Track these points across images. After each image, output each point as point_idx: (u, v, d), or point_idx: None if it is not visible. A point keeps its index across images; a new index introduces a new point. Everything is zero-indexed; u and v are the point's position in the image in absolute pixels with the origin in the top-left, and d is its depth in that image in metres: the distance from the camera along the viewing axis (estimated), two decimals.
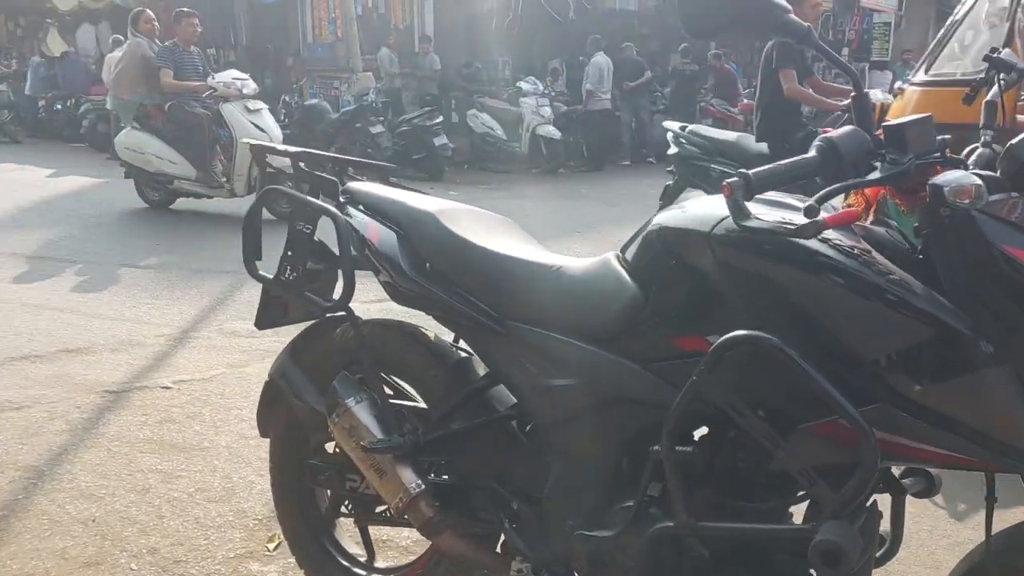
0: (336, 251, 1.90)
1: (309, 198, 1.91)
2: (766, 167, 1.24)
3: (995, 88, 2.31)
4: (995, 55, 2.41)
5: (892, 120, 1.29)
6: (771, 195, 1.53)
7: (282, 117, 11.31)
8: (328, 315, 1.95)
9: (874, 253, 1.27)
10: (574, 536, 1.61)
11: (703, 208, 1.47)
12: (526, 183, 10.39)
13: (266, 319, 2.08)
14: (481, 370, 1.91)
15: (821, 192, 1.20)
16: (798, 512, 1.50)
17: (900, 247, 1.33)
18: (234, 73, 7.76)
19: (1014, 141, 1.25)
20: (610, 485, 1.60)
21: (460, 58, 13.78)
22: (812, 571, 1.41)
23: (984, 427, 1.21)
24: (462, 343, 1.89)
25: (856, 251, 1.26)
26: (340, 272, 1.83)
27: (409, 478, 1.77)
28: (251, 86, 7.49)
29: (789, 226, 1.26)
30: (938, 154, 1.30)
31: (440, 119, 11.03)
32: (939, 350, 1.20)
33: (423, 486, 1.77)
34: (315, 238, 1.92)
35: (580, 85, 12.30)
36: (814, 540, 1.27)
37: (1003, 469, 1.27)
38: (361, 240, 1.83)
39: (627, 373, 1.53)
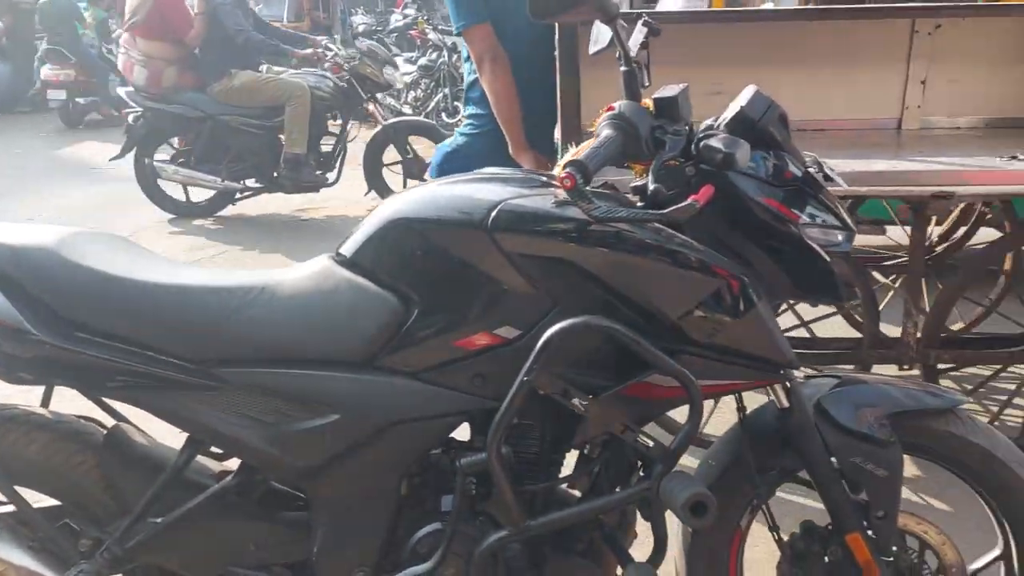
0: None
1: None
2: (588, 153, 1.23)
3: None
4: None
5: (662, 92, 1.36)
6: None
7: None
8: None
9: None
10: None
11: (454, 195, 1.39)
12: None
13: None
14: (140, 437, 1.57)
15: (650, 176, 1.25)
16: None
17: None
18: None
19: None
20: (396, 517, 1.46)
21: None
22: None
23: (758, 351, 1.36)
24: None
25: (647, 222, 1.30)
26: None
27: None
28: None
29: (655, 212, 1.24)
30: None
31: None
32: (724, 296, 1.32)
33: None
34: None
35: None
36: (684, 497, 1.29)
37: (769, 381, 1.43)
38: None
39: (402, 391, 1.39)
